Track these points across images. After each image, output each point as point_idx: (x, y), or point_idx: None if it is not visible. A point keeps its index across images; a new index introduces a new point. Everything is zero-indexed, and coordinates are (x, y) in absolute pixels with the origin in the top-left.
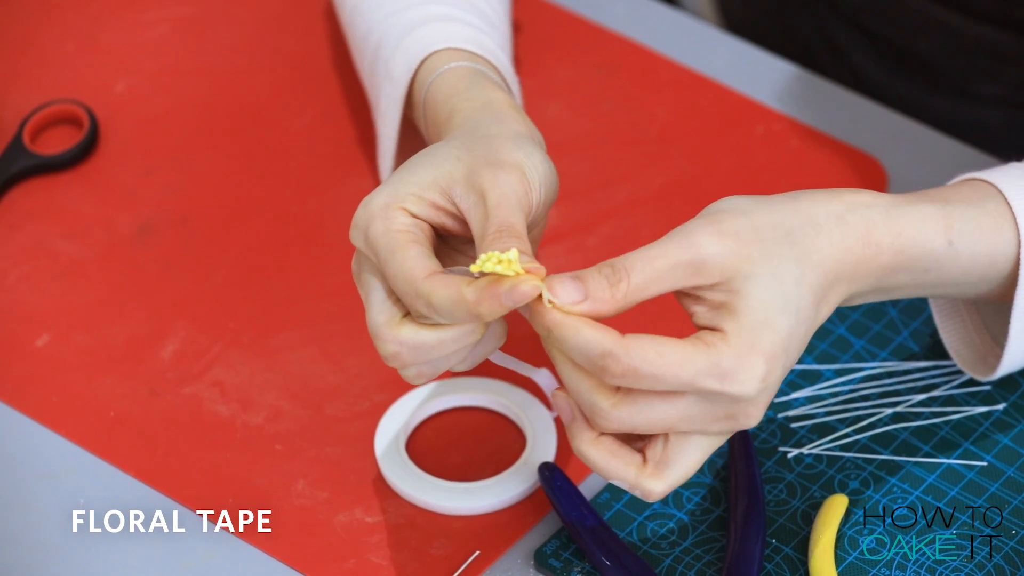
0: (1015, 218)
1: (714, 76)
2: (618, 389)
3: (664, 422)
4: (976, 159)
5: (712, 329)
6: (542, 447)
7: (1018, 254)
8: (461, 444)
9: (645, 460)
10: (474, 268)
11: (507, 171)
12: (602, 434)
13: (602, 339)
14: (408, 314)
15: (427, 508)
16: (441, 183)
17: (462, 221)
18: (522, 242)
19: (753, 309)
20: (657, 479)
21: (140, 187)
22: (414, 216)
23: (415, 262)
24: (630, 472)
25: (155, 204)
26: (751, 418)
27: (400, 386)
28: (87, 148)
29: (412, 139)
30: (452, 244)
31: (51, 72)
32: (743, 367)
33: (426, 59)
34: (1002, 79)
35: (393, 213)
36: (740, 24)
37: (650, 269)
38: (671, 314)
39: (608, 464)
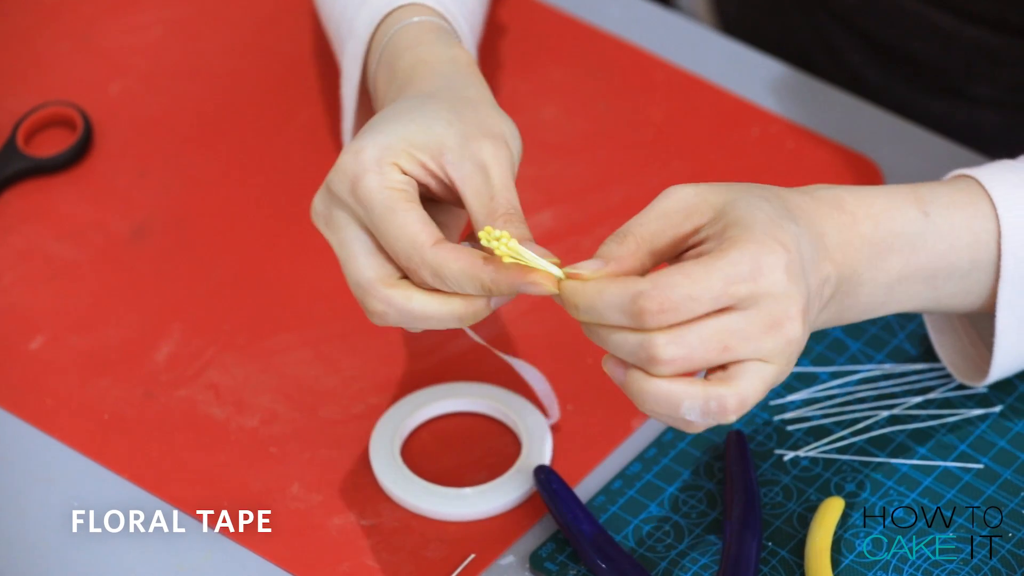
0: (988, 194)
1: (709, 78)
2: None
3: (718, 339)
4: (971, 160)
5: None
6: (537, 452)
7: (998, 230)
8: (456, 449)
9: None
10: (483, 239)
11: (500, 145)
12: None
13: (628, 284)
14: (403, 275)
15: (421, 514)
16: (432, 147)
17: (446, 187)
18: (526, 228)
19: (754, 215)
20: (726, 386)
21: (134, 189)
22: (405, 173)
23: (420, 227)
24: (696, 387)
25: (149, 206)
26: (793, 321)
27: (395, 389)
28: (81, 150)
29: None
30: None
31: (45, 74)
32: (764, 257)
33: (389, 14)
34: (997, 81)
35: (387, 168)
36: (736, 25)
37: (646, 221)
38: None
39: (672, 388)
